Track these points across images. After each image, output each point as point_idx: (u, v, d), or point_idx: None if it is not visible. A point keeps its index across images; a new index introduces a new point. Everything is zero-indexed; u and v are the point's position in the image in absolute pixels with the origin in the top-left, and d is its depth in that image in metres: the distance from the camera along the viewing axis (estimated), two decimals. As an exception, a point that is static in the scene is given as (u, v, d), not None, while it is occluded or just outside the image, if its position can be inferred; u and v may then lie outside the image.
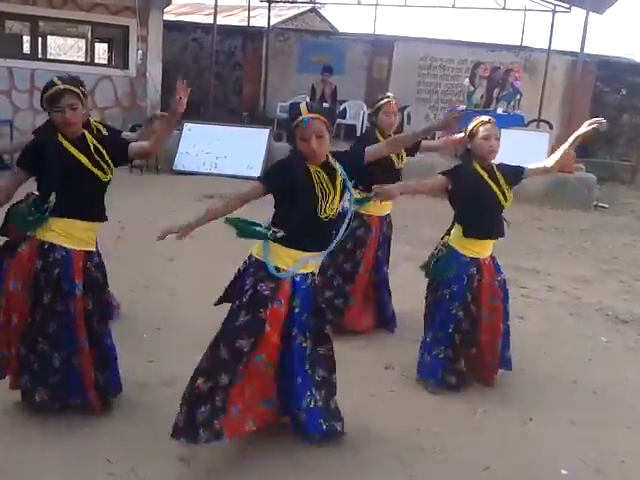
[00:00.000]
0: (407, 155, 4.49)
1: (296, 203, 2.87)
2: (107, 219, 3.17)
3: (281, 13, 18.84)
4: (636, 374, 4.31)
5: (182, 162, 10.29)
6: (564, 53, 13.96)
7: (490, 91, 11.50)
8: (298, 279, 2.95)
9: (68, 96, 2.90)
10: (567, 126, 11.59)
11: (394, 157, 4.33)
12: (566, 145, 3.80)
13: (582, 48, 10.77)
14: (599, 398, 3.90)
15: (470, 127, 3.68)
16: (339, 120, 12.23)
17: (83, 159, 2.96)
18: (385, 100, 4.38)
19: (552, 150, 10.78)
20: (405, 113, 12.70)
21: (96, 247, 3.25)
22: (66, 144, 2.97)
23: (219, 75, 14.33)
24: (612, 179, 12.94)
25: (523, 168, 3.84)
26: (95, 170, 2.99)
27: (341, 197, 2.93)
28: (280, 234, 2.90)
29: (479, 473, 3.03)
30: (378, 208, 4.32)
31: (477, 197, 3.65)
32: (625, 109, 14.25)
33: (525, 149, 10.89)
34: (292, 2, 17.21)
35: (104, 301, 3.27)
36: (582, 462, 3.18)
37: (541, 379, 4.06)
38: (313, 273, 3.06)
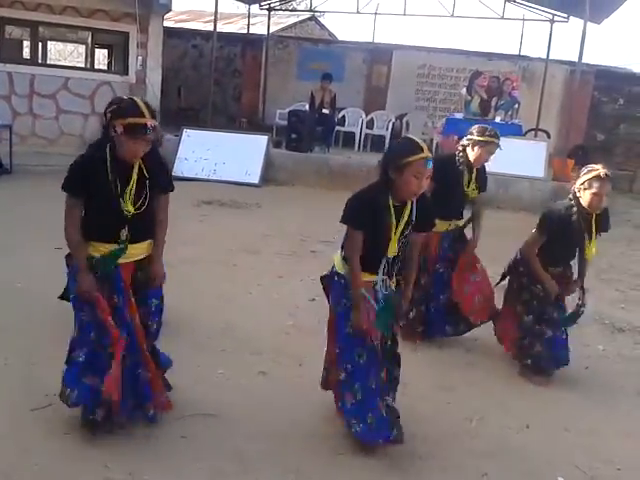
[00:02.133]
0: (478, 191, 4.46)
1: (371, 236, 2.97)
2: (152, 236, 3.06)
3: (281, 21, 18.95)
4: (632, 382, 4.32)
5: (181, 168, 10.31)
6: (562, 63, 14.04)
7: (488, 100, 11.55)
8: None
9: (152, 134, 2.79)
10: (565, 135, 11.66)
11: (467, 190, 4.36)
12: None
13: (580, 58, 10.83)
14: (595, 406, 3.91)
15: (583, 179, 3.82)
16: (338, 128, 12.28)
17: (115, 186, 2.84)
18: (492, 139, 4.25)
19: (550, 160, 10.88)
20: (404, 121, 12.78)
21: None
22: (110, 167, 2.84)
23: (218, 82, 14.38)
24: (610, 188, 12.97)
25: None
26: (120, 201, 2.86)
27: (404, 234, 3.01)
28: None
29: (476, 479, 3.04)
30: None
31: (566, 241, 3.92)
32: (623, 119, 14.32)
33: (523, 158, 10.97)
34: (292, 10, 17.32)
35: (148, 305, 3.14)
36: (578, 469, 3.20)
37: (536, 386, 4.07)
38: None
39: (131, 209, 2.89)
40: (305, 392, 3.56)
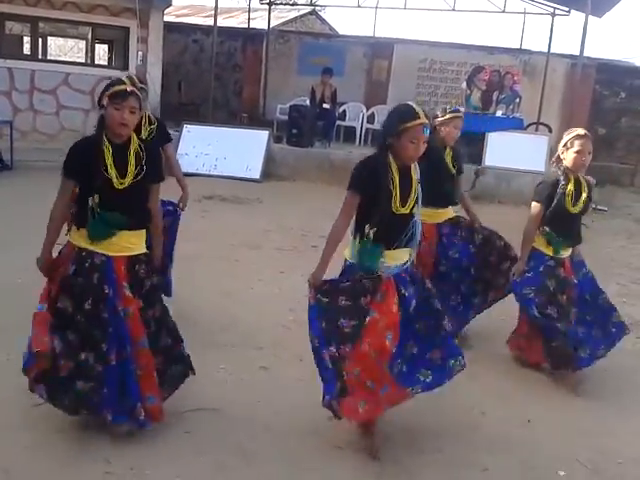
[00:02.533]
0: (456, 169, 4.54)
1: (378, 203, 2.96)
2: (146, 226, 3.10)
3: (281, 15, 18.89)
4: (634, 377, 4.33)
5: (181, 163, 10.20)
6: (563, 56, 13.99)
7: (489, 94, 11.52)
8: (396, 272, 3.05)
9: (132, 98, 2.92)
10: (566, 129, 11.62)
11: (451, 167, 4.44)
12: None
13: (581, 51, 10.80)
14: (597, 401, 3.91)
15: (565, 139, 3.90)
16: (339, 122, 12.25)
17: (112, 171, 2.91)
18: (455, 114, 4.40)
19: (551, 153, 10.86)
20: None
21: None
22: (106, 150, 2.92)
23: (219, 77, 14.34)
24: (611, 182, 12.95)
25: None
26: (114, 176, 2.91)
27: (416, 200, 3.04)
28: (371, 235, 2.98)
29: (477, 474, 3.05)
30: (430, 216, 4.22)
31: (558, 209, 3.89)
32: (624, 112, 14.28)
33: (524, 152, 10.95)
34: (292, 4, 17.24)
35: (155, 300, 3.14)
36: (580, 464, 3.20)
37: (539, 381, 4.07)
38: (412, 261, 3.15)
39: (126, 181, 2.94)
40: (306, 387, 3.57)
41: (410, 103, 3.03)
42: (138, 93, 2.98)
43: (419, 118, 2.90)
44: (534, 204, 3.99)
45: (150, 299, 3.09)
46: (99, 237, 2.94)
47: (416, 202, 3.05)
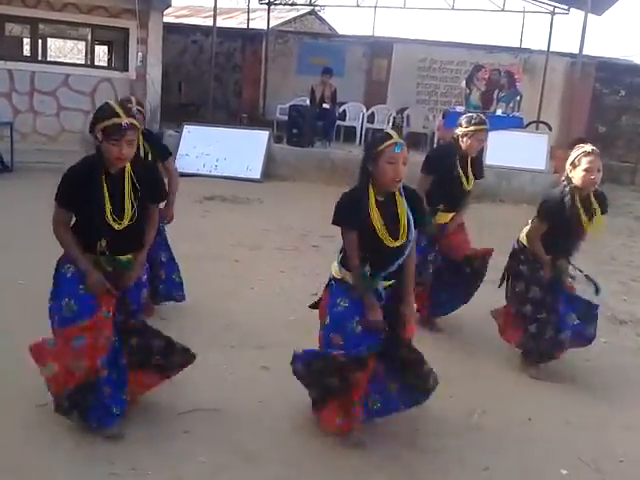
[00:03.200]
0: (475, 178, 4.53)
1: (364, 235, 3.00)
2: (141, 247, 3.09)
3: (280, 15, 18.89)
4: (635, 375, 4.32)
5: (182, 164, 10.29)
6: (563, 55, 13.99)
7: (490, 93, 11.52)
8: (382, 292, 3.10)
9: (130, 132, 2.77)
10: (566, 127, 11.64)
11: (464, 181, 4.40)
12: None
13: (581, 49, 10.80)
14: (598, 398, 3.91)
15: (572, 157, 3.78)
16: (339, 122, 12.25)
17: (107, 201, 2.85)
18: (482, 127, 4.31)
19: (551, 152, 10.86)
20: (404, 115, 12.76)
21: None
22: (101, 180, 2.86)
23: (219, 77, 14.35)
24: (611, 180, 12.94)
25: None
26: (110, 219, 2.87)
27: (406, 230, 3.03)
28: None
29: (479, 473, 3.05)
30: (441, 218, 4.43)
31: (564, 227, 3.85)
32: (624, 110, 14.27)
33: (524, 151, 10.95)
34: (291, 5, 17.24)
35: (133, 316, 3.15)
36: (581, 462, 3.20)
37: (540, 379, 4.07)
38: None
39: (124, 223, 2.90)
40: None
41: (387, 130, 3.12)
42: (135, 124, 2.82)
43: (391, 138, 2.95)
44: (537, 223, 3.91)
45: (130, 312, 3.12)
46: (104, 267, 2.97)
47: (409, 233, 3.03)
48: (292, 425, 3.29)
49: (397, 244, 3.01)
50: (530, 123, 12.37)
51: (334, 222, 3.06)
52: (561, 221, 3.84)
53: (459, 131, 4.33)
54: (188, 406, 3.35)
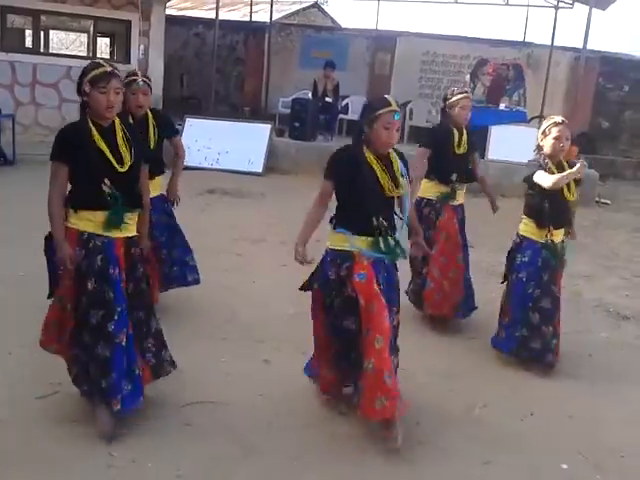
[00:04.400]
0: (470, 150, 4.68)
1: (356, 190, 3.10)
2: (142, 206, 3.14)
3: (283, 8, 18.84)
4: (636, 370, 4.32)
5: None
6: (567, 49, 13.92)
7: (496, 88, 11.48)
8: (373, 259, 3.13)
9: (115, 80, 2.91)
10: (570, 122, 11.59)
11: (456, 147, 4.56)
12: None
13: (585, 44, 10.75)
14: (599, 394, 3.90)
15: (543, 127, 4.02)
16: (341, 116, 12.22)
17: (106, 151, 2.93)
18: (465, 94, 4.56)
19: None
20: (407, 109, 12.71)
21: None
22: (94, 132, 2.94)
23: (221, 70, 14.32)
24: (614, 175, 12.93)
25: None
26: (113, 161, 2.95)
27: (397, 184, 3.14)
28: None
29: (479, 467, 3.05)
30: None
31: (548, 193, 3.93)
32: (628, 106, 14.22)
33: (528, 146, 10.90)
34: (294, -3, 17.19)
35: (144, 287, 3.18)
36: (582, 457, 3.20)
37: (541, 374, 4.06)
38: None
39: (126, 166, 2.97)
40: (308, 380, 3.56)
41: (385, 95, 3.18)
42: (118, 73, 2.96)
43: (390, 105, 3.06)
44: (538, 172, 3.97)
45: (139, 286, 3.13)
46: (118, 223, 2.97)
47: (403, 183, 3.16)
48: (293, 418, 3.29)
49: (398, 192, 3.14)
50: (533, 118, 12.33)
51: (326, 176, 3.17)
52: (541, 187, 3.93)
53: (446, 104, 4.56)
54: (189, 399, 3.35)
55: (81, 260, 2.95)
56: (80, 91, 2.95)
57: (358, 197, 3.09)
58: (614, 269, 6.69)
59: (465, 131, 4.61)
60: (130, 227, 3.07)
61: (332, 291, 3.14)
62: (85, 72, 2.93)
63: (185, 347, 3.94)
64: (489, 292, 5.02)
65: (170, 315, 4.42)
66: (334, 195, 3.22)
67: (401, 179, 3.14)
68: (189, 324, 4.33)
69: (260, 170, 10.31)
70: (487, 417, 3.49)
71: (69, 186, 3.00)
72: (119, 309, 2.95)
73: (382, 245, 3.11)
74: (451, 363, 4.13)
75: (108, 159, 2.93)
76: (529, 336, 4.01)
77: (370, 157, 3.11)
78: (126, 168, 2.98)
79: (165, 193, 4.47)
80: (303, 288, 3.38)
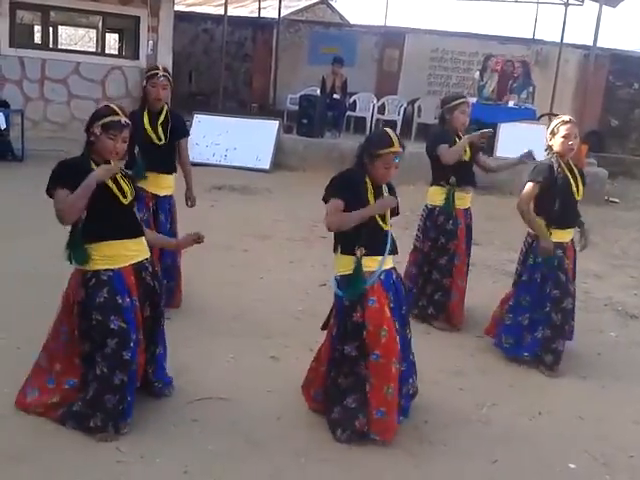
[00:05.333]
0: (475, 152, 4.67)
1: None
2: (141, 234, 3.12)
3: (292, 4, 18.77)
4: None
5: (192, 153, 10.11)
6: (576, 47, 13.84)
7: (502, 84, 11.41)
8: (383, 277, 3.14)
9: (126, 130, 2.97)
10: (579, 120, 11.51)
11: (464, 154, 4.51)
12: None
13: (595, 42, 10.67)
14: (608, 393, 3.89)
15: (552, 126, 4.02)
16: (349, 113, 12.19)
17: (110, 183, 2.95)
18: (462, 100, 4.55)
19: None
20: (415, 106, 12.68)
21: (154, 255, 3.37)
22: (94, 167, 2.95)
23: (229, 66, 14.31)
24: (623, 174, 12.85)
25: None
26: (118, 194, 2.97)
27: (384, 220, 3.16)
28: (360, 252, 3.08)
29: (487, 466, 3.04)
30: (461, 201, 4.55)
31: (559, 191, 3.94)
32: (637, 103, 14.13)
33: (537, 143, 10.83)
34: (303, -7, 17.15)
35: (160, 308, 3.22)
36: (590, 456, 3.18)
37: (550, 373, 4.04)
38: (394, 268, 3.27)
39: (129, 197, 3.02)
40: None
41: (388, 130, 3.15)
42: (129, 124, 2.99)
43: (393, 146, 3.04)
44: (530, 184, 3.99)
45: (156, 310, 3.16)
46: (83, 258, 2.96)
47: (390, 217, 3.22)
48: (300, 414, 3.29)
49: (386, 227, 3.16)
50: (542, 115, 12.26)
51: (326, 197, 3.09)
52: (552, 184, 3.93)
53: (444, 110, 4.55)
54: (197, 395, 3.36)
55: (84, 299, 2.95)
56: (88, 130, 2.96)
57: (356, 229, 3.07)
58: (623, 268, 6.65)
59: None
60: (135, 253, 3.06)
61: (345, 316, 3.10)
62: (98, 116, 2.95)
63: (192, 343, 3.96)
64: (497, 290, 4.99)
65: (177, 311, 4.44)
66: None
67: (387, 215, 3.17)
68: (196, 320, 4.34)
69: (268, 167, 10.30)
70: (496, 416, 3.48)
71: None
72: (133, 337, 2.96)
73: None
74: (460, 362, 4.12)
75: (113, 194, 2.96)
76: (552, 336, 4.00)
77: (369, 185, 3.11)
78: (129, 200, 3.02)
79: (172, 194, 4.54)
80: (325, 327, 3.30)
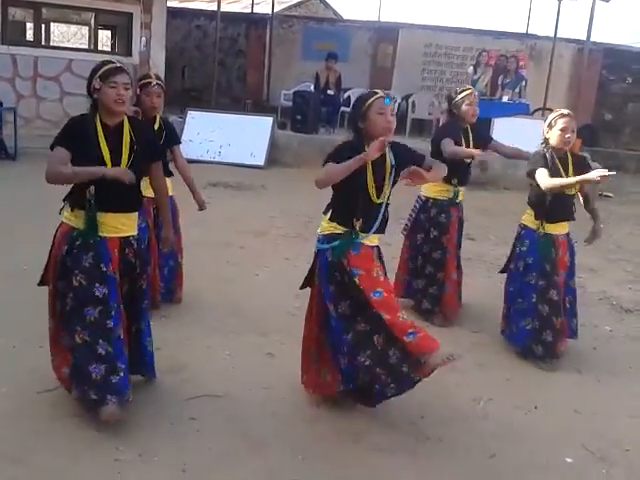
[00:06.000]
0: (483, 145, 4.66)
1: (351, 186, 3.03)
2: (138, 208, 3.15)
3: (285, 0, 18.73)
4: (640, 363, 4.32)
5: (186, 150, 10.09)
6: (570, 41, 13.85)
7: (494, 79, 11.43)
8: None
9: (124, 74, 2.97)
10: (573, 114, 11.55)
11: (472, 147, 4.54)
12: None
13: (588, 36, 10.72)
14: (603, 387, 3.90)
15: (549, 119, 4.02)
16: (343, 108, 12.16)
17: (105, 152, 2.93)
18: (468, 91, 4.53)
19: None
20: (410, 101, 12.67)
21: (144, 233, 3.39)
22: (100, 131, 2.95)
23: (223, 62, 14.26)
24: (617, 168, 12.84)
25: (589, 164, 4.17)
26: (109, 161, 2.94)
27: (391, 183, 3.12)
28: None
29: (484, 461, 3.04)
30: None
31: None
32: (631, 98, 14.15)
33: (531, 138, 10.83)
34: (296, -11, 17.10)
35: (140, 286, 3.18)
36: (587, 450, 3.19)
37: (547, 367, 4.05)
38: (377, 247, 3.24)
39: (122, 166, 2.97)
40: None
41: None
42: (126, 69, 3.01)
43: (377, 93, 3.06)
44: (540, 170, 3.93)
45: (134, 286, 3.13)
46: (93, 231, 2.95)
47: (390, 188, 3.14)
48: (297, 411, 3.29)
49: (379, 201, 3.11)
50: (536, 110, 12.27)
51: (327, 160, 3.09)
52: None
53: (452, 104, 4.54)
54: (194, 392, 3.35)
55: (64, 256, 2.95)
56: (90, 90, 2.97)
57: (349, 197, 3.06)
58: (618, 262, 6.67)
59: (471, 132, 4.57)
60: (124, 227, 3.05)
61: (335, 272, 3.08)
62: (95, 69, 2.98)
63: (189, 341, 3.96)
64: (493, 285, 5.01)
65: (173, 309, 4.43)
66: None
67: (385, 187, 3.10)
68: (193, 318, 4.33)
69: (262, 163, 10.29)
70: (492, 411, 3.49)
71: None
72: (115, 305, 2.95)
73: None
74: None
75: (104, 162, 2.93)
76: (540, 328, 4.01)
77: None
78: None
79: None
80: (304, 286, 3.34)
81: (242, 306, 4.62)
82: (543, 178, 3.89)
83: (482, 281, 5.45)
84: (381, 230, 3.17)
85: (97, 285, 2.91)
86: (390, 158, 3.13)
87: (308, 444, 3.03)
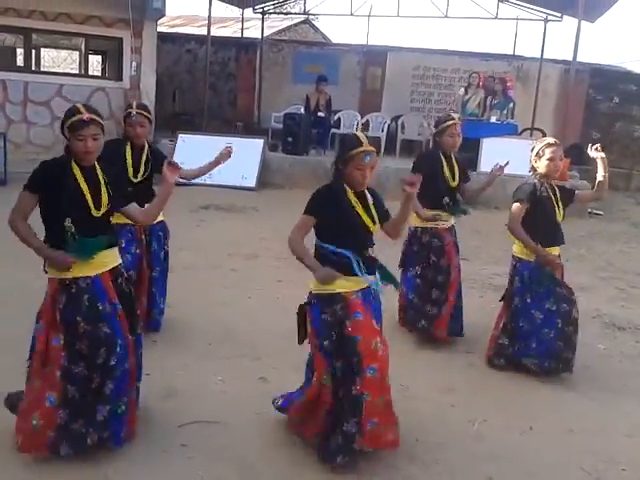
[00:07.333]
0: (461, 179, 4.65)
1: (341, 226, 3.07)
2: (117, 244, 3.14)
3: (274, 24, 18.93)
4: (634, 381, 4.30)
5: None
6: (556, 62, 14.04)
7: (484, 100, 11.55)
8: (360, 295, 3.12)
9: (93, 126, 2.90)
10: (560, 134, 11.64)
11: (449, 178, 4.53)
12: (601, 171, 4.26)
13: (574, 57, 10.84)
14: (597, 406, 3.88)
15: (537, 149, 4.08)
16: (333, 130, 12.24)
17: (86, 190, 2.92)
18: (451, 122, 4.51)
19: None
20: (399, 122, 12.77)
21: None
22: (76, 171, 2.93)
23: (213, 86, 14.34)
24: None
25: (574, 191, 4.34)
26: (91, 203, 2.92)
27: (374, 221, 3.14)
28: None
29: (480, 483, 3.01)
30: (443, 220, 4.56)
31: (541, 211, 4.04)
32: (618, 117, 14.31)
33: (519, 158, 10.92)
34: (285, 14, 17.30)
35: (135, 313, 3.16)
36: (583, 471, 3.17)
37: (539, 387, 4.04)
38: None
39: (103, 209, 2.96)
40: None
41: (357, 133, 3.20)
42: (97, 119, 2.92)
43: (362, 146, 3.04)
44: (516, 204, 4.09)
45: (128, 309, 3.09)
46: (83, 257, 2.92)
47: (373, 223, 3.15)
48: (290, 437, 3.25)
49: (375, 229, 3.15)
50: (524, 130, 12.39)
51: (305, 212, 3.12)
52: (536, 204, 4.04)
53: (436, 132, 4.56)
54: (185, 419, 3.31)
55: (64, 307, 2.90)
56: (63, 134, 2.95)
57: (343, 236, 3.07)
58: (610, 280, 6.69)
59: (455, 162, 4.57)
60: (109, 260, 3.04)
61: (331, 331, 3.05)
62: (66, 116, 2.93)
63: (180, 366, 3.91)
64: (485, 305, 5.00)
65: (165, 333, 4.39)
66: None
67: (375, 216, 3.14)
68: (184, 342, 4.29)
69: (254, 185, 10.30)
70: (487, 432, 3.46)
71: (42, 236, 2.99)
72: (120, 342, 2.93)
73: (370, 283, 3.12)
74: (450, 378, 4.10)
75: (85, 200, 2.91)
76: (564, 347, 4.10)
77: (350, 194, 3.10)
78: (101, 213, 2.96)
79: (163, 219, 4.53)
80: (301, 341, 3.27)
81: (234, 330, 4.58)
82: (514, 218, 4.06)
83: (475, 301, 5.44)
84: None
85: (100, 325, 2.89)
86: (369, 199, 3.17)
87: (300, 470, 2.99)
